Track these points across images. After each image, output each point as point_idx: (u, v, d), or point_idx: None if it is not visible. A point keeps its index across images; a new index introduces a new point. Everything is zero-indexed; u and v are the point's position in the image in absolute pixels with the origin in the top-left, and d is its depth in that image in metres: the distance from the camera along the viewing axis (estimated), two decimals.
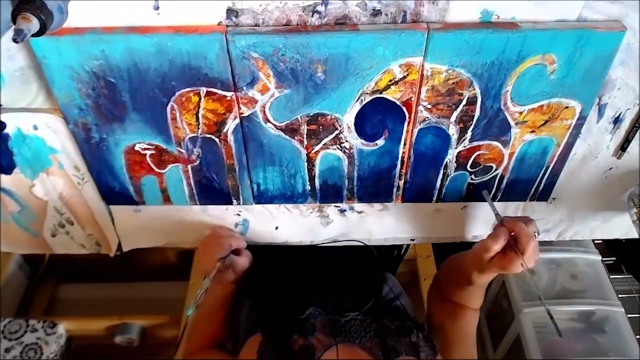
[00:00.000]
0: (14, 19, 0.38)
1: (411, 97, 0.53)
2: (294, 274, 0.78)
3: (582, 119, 0.56)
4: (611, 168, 0.64)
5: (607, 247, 1.35)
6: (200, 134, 0.57)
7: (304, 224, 0.71)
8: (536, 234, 0.60)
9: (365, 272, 0.78)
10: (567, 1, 0.48)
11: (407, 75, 0.51)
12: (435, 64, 0.50)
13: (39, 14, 0.39)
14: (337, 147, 0.59)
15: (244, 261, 0.69)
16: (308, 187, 0.64)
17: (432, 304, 0.76)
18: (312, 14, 0.49)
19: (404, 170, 0.61)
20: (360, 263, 0.80)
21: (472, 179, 0.62)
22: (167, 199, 0.65)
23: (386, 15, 0.49)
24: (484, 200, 0.66)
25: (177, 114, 0.55)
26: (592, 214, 0.70)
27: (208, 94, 0.53)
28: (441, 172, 0.62)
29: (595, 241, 1.40)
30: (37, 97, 0.56)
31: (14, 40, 0.37)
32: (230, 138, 0.57)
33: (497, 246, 0.59)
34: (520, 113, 0.55)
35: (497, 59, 0.50)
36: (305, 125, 0.56)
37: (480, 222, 0.71)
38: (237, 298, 0.77)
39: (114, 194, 0.64)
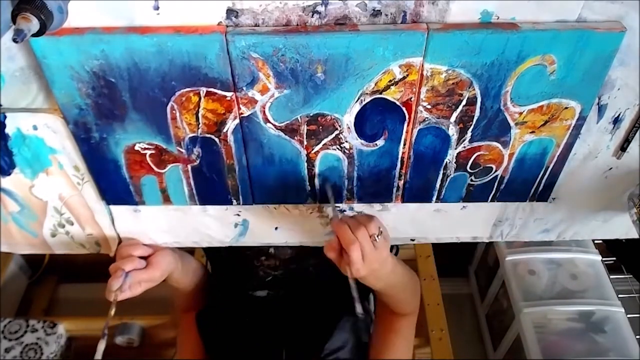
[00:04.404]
0: (14, 19, 0.38)
1: (411, 98, 0.53)
2: (248, 322, 0.80)
3: (582, 119, 0.56)
4: (611, 168, 0.64)
5: (607, 247, 1.35)
6: (200, 134, 0.57)
7: (304, 225, 0.71)
8: (377, 235, 0.56)
9: (315, 322, 0.79)
10: (566, 1, 0.48)
11: (407, 75, 0.51)
12: (435, 64, 0.50)
13: (39, 14, 0.39)
14: (337, 148, 0.59)
15: (150, 272, 0.68)
16: (308, 188, 0.64)
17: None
18: (312, 14, 0.49)
19: (403, 171, 0.61)
20: (315, 309, 0.80)
21: (472, 180, 0.62)
22: (167, 199, 0.65)
23: (386, 15, 0.49)
24: (484, 201, 0.66)
25: (177, 114, 0.55)
26: (592, 214, 0.70)
27: (208, 94, 0.53)
28: (441, 172, 0.62)
29: (595, 241, 1.40)
30: (37, 97, 0.56)
31: (14, 40, 0.37)
32: (230, 138, 0.57)
33: (330, 254, 0.58)
34: (520, 113, 0.55)
35: (497, 59, 0.50)
36: (305, 126, 0.56)
37: (480, 223, 0.71)
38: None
39: (113, 194, 0.64)
